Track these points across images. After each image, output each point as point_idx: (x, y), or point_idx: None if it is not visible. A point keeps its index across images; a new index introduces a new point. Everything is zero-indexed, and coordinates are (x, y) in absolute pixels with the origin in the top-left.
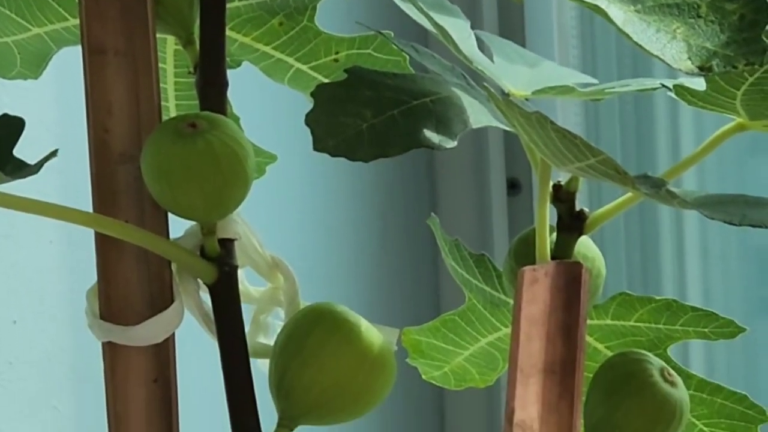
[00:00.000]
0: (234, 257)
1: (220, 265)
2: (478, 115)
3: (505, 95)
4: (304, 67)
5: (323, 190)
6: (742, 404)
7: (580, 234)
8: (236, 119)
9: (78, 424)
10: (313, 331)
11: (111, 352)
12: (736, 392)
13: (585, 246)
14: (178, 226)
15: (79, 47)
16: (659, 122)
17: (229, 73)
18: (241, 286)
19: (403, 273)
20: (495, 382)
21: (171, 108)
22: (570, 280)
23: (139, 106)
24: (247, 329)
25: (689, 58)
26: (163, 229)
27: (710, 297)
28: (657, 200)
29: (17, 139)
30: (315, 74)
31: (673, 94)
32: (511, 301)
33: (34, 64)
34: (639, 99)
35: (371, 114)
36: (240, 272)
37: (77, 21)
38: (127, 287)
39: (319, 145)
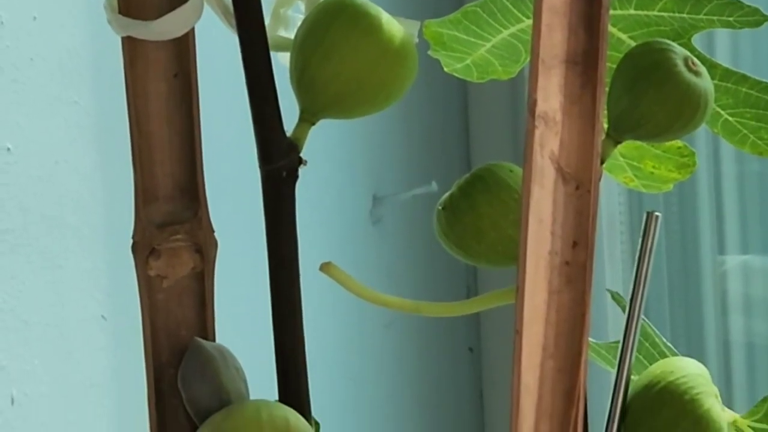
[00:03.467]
0: None
1: None
2: None
3: None
4: None
5: None
6: (767, 94)
7: None
8: None
9: (98, 119)
10: (334, 23)
11: (130, 47)
12: (762, 81)
13: None
14: None
15: None
16: None
17: None
18: None
19: None
20: (518, 73)
21: None
22: None
23: None
24: (267, 23)
25: None
26: None
27: None
28: None
29: None
30: None
31: None
32: None
33: None
34: None
35: None
36: None
37: None
38: None
39: None
